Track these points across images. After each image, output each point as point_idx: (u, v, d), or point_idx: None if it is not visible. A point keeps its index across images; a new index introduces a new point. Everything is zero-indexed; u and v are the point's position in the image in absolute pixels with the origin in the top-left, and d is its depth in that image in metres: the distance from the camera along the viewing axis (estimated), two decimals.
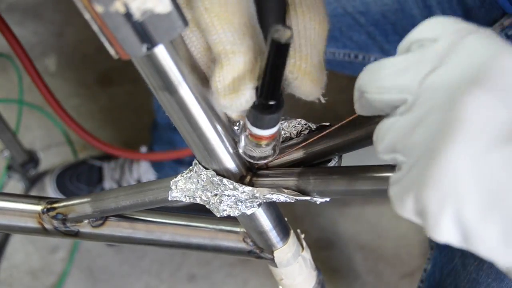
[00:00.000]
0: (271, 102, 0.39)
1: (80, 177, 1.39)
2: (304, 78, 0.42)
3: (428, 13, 0.84)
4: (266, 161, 0.46)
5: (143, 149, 1.39)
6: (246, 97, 0.40)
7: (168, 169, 1.34)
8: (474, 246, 0.29)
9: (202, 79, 0.42)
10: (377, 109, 0.36)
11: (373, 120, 0.41)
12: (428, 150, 0.30)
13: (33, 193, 1.39)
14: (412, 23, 0.85)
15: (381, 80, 0.34)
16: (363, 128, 0.46)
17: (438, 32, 0.33)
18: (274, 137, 0.43)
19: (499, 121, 0.28)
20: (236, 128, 0.49)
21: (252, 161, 0.46)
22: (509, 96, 0.29)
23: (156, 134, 1.32)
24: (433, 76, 0.31)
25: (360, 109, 0.38)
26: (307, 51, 0.42)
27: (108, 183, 1.38)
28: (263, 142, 0.43)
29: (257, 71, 0.40)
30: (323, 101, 0.44)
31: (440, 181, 0.29)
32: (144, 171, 1.35)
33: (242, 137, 0.44)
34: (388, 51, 0.90)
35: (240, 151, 0.45)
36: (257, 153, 0.44)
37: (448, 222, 0.29)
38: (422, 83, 0.32)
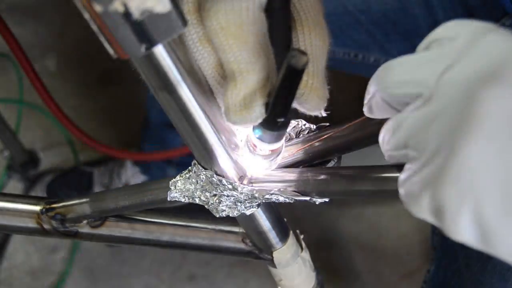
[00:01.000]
0: (280, 119, 0.40)
1: (70, 184, 1.39)
2: (311, 94, 0.42)
3: (429, 12, 0.84)
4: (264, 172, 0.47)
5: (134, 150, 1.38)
6: (257, 113, 0.40)
7: (156, 170, 1.33)
8: (493, 247, 0.29)
9: (200, 81, 0.42)
10: (388, 107, 0.36)
11: (373, 120, 0.41)
12: (445, 145, 0.29)
13: (33, 193, 1.39)
14: (414, 23, 0.85)
15: (398, 75, 0.34)
16: (362, 129, 0.46)
17: (457, 31, 0.33)
18: (276, 151, 0.44)
19: None
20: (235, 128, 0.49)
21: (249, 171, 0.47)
22: None
23: (148, 133, 1.32)
24: (451, 72, 0.31)
25: (369, 111, 0.38)
26: (313, 68, 0.42)
27: (97, 189, 1.38)
28: (264, 154, 0.44)
29: (268, 88, 0.40)
30: (324, 114, 0.44)
31: (459, 177, 0.28)
32: (130, 175, 1.35)
33: (244, 145, 0.44)
34: (389, 50, 0.90)
35: (239, 159, 0.46)
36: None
37: (466, 221, 0.29)
38: (439, 78, 0.32)
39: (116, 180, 1.36)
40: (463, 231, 0.29)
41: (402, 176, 0.33)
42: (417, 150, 0.32)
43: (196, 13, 0.40)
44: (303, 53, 0.34)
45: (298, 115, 0.44)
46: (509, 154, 0.27)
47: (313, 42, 0.42)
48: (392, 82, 0.34)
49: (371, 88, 0.37)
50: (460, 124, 0.29)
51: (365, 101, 0.38)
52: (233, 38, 0.39)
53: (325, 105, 0.44)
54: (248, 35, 0.39)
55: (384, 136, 0.36)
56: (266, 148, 0.43)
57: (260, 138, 0.42)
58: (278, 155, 0.45)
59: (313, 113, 0.44)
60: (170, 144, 1.25)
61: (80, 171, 1.41)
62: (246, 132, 0.45)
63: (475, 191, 0.28)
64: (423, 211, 0.31)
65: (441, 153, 0.30)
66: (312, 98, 0.42)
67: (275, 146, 0.43)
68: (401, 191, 0.33)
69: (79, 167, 1.42)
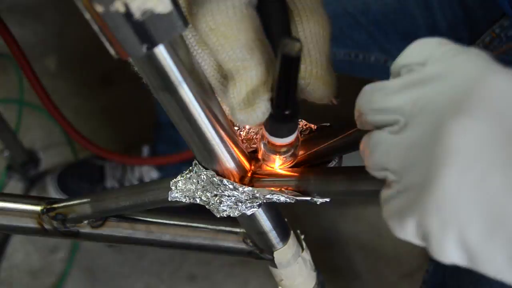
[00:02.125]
0: (287, 112, 0.39)
1: (82, 176, 1.39)
2: (316, 83, 0.42)
3: (428, 13, 0.84)
4: (286, 166, 0.47)
5: (145, 148, 1.38)
6: (262, 109, 0.40)
7: (171, 167, 1.33)
8: (480, 267, 0.30)
9: (201, 81, 0.42)
10: (375, 127, 0.36)
11: None
12: (422, 175, 0.30)
13: (33, 193, 1.39)
14: (413, 23, 0.85)
15: (375, 103, 0.35)
16: (363, 130, 0.45)
17: (425, 55, 0.33)
18: (292, 144, 0.44)
19: (491, 146, 0.29)
20: (236, 128, 0.49)
21: (272, 167, 0.47)
22: (498, 119, 0.29)
23: (160, 134, 1.32)
24: (423, 100, 0.32)
25: (360, 126, 0.38)
26: (316, 56, 0.42)
27: (110, 182, 1.38)
28: (282, 150, 0.44)
29: (270, 82, 0.40)
30: (335, 102, 0.44)
31: (440, 207, 0.29)
32: (146, 169, 1.35)
33: (262, 145, 0.44)
34: (389, 50, 0.90)
35: (260, 157, 0.46)
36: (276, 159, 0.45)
37: (452, 246, 0.30)
38: (413, 107, 0.32)
39: (130, 174, 1.35)
40: (450, 255, 0.30)
41: (383, 195, 0.34)
42: (395, 175, 0.33)
43: (189, 16, 0.41)
44: (296, 39, 0.34)
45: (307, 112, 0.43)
46: (484, 185, 0.28)
47: (312, 30, 0.42)
48: (370, 109, 0.35)
49: (356, 111, 0.37)
50: (434, 155, 0.30)
51: (356, 118, 0.38)
52: (223, 37, 0.39)
53: (334, 92, 0.44)
54: (239, 33, 0.39)
55: (363, 150, 0.36)
56: (280, 143, 0.43)
57: (271, 134, 0.42)
58: (295, 148, 0.45)
59: (323, 102, 0.44)
60: (182, 144, 1.24)
61: (91, 164, 1.40)
62: (252, 129, 0.45)
63: (457, 219, 0.29)
64: (408, 236, 0.33)
65: (419, 181, 0.31)
66: (318, 87, 0.42)
67: (290, 139, 0.42)
68: (384, 214, 0.34)
69: (89, 160, 1.41)
